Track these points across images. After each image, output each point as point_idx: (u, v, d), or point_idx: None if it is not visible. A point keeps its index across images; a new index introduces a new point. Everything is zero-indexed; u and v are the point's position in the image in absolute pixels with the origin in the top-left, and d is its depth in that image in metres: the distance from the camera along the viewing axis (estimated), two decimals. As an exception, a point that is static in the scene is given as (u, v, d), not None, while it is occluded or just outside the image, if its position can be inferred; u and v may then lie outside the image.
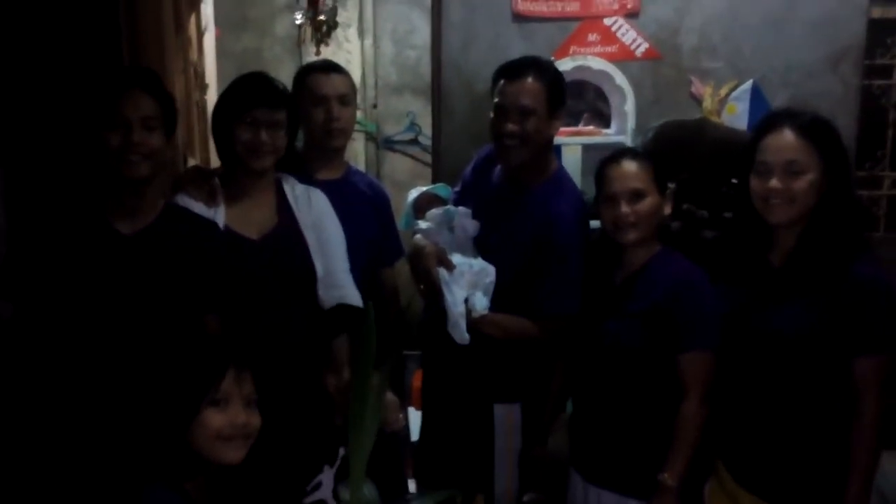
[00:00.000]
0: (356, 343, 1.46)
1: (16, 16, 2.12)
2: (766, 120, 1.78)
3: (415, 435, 2.77)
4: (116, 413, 1.61)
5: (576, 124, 2.97)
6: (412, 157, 4.60)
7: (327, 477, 1.60)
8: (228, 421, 1.39)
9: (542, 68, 2.06)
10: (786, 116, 1.73)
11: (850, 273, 1.64)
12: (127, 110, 1.73)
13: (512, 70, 2.05)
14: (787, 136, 1.68)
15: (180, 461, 1.38)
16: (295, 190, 2.07)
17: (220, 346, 1.48)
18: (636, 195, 1.84)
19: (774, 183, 1.68)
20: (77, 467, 1.69)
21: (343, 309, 2.00)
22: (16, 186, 2.13)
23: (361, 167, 4.13)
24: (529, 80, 2.02)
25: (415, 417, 2.95)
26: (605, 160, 1.92)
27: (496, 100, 2.06)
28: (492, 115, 2.08)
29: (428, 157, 3.91)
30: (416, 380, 3.10)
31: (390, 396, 2.03)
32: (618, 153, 1.92)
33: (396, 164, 4.63)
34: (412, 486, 2.59)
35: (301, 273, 2.00)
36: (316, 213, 2.06)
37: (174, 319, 1.78)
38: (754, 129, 1.80)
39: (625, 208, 1.83)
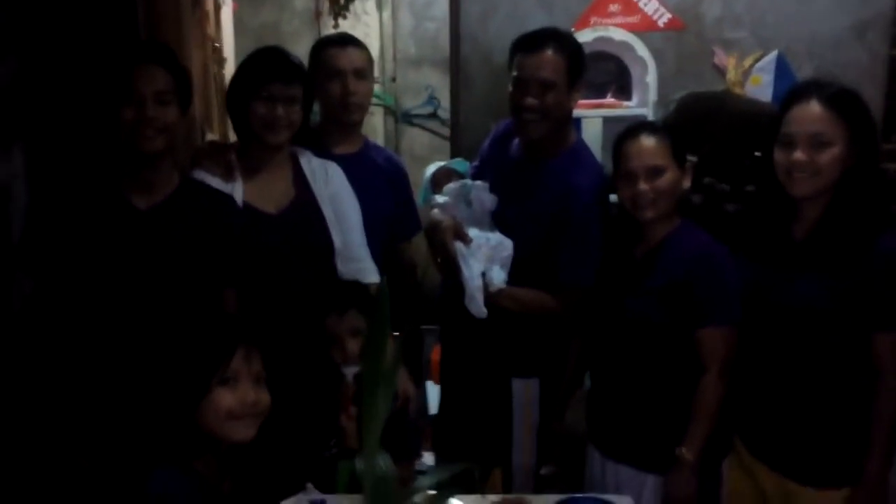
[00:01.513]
0: (370, 316, 1.47)
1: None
2: (792, 91, 1.76)
3: (433, 409, 2.79)
4: (128, 391, 1.63)
5: (598, 97, 2.94)
6: (431, 131, 4.58)
7: None
8: (238, 399, 1.39)
9: (561, 40, 2.04)
10: (813, 88, 1.70)
11: (874, 247, 1.63)
12: (140, 85, 1.73)
13: (530, 42, 2.03)
14: (814, 107, 1.66)
15: (189, 440, 1.39)
16: (311, 164, 2.07)
17: (229, 324, 1.49)
18: (655, 172, 1.81)
19: (799, 155, 1.66)
20: (85, 444, 1.71)
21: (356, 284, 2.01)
22: (37, 162, 2.15)
23: (380, 141, 4.12)
24: (549, 52, 2.00)
25: (433, 391, 2.97)
26: (621, 135, 1.90)
27: (515, 73, 2.04)
28: (510, 88, 2.06)
29: (447, 131, 3.89)
30: (435, 354, 3.11)
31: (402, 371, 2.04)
32: (634, 127, 1.90)
33: (415, 138, 4.62)
34: (430, 459, 2.62)
35: (319, 246, 2.01)
36: (333, 186, 2.06)
37: (191, 294, 1.79)
38: (781, 101, 1.77)
39: (643, 185, 1.81)
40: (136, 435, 1.46)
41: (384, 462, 1.15)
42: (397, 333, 1.36)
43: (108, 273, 1.75)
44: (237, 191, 1.96)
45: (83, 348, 1.74)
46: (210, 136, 2.80)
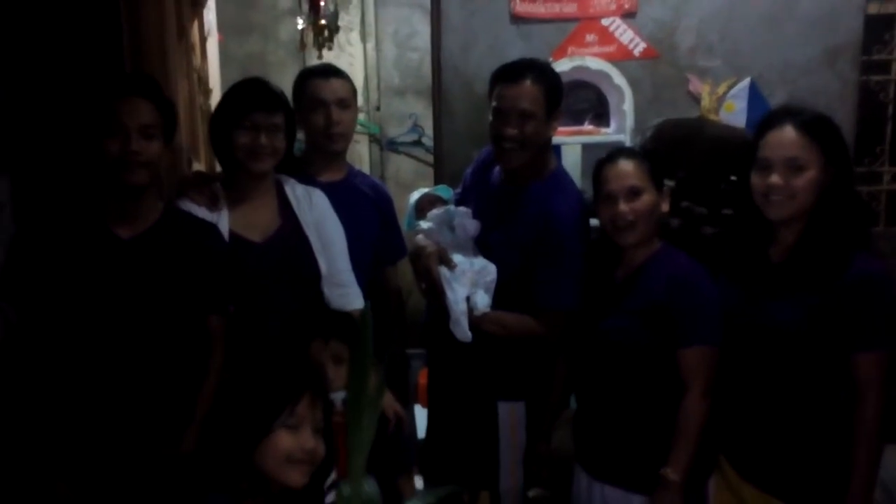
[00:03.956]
0: (354, 342, 1.49)
1: (18, 23, 2.14)
2: (768, 117, 1.80)
3: (421, 432, 2.79)
4: (119, 419, 1.62)
5: (577, 124, 2.99)
6: (415, 158, 4.62)
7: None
8: (299, 444, 1.40)
9: (539, 71, 2.07)
10: (787, 113, 1.74)
11: (850, 269, 1.65)
12: (125, 118, 1.73)
13: (509, 73, 2.06)
14: (789, 132, 1.69)
15: (245, 478, 1.39)
16: (296, 191, 2.09)
17: (299, 369, 1.50)
18: (633, 193, 1.85)
19: (775, 179, 1.69)
20: (73, 477, 1.70)
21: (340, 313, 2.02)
22: (23, 192, 2.15)
23: (365, 169, 4.16)
24: (528, 83, 2.03)
25: (421, 415, 2.97)
26: (601, 160, 1.94)
27: (494, 103, 2.07)
28: (490, 117, 2.09)
29: (431, 159, 3.94)
30: (423, 377, 3.12)
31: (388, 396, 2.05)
32: (613, 153, 1.94)
33: (400, 166, 4.66)
34: (419, 483, 2.61)
35: (305, 273, 2.02)
36: (317, 213, 2.08)
37: (176, 322, 1.80)
38: (756, 126, 1.81)
39: (623, 206, 1.85)
40: (195, 468, 1.47)
41: (370, 487, 1.17)
42: (380, 359, 1.38)
43: (91, 303, 1.75)
44: (223, 220, 1.97)
45: (70, 376, 1.73)
46: (196, 166, 2.82)
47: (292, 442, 1.39)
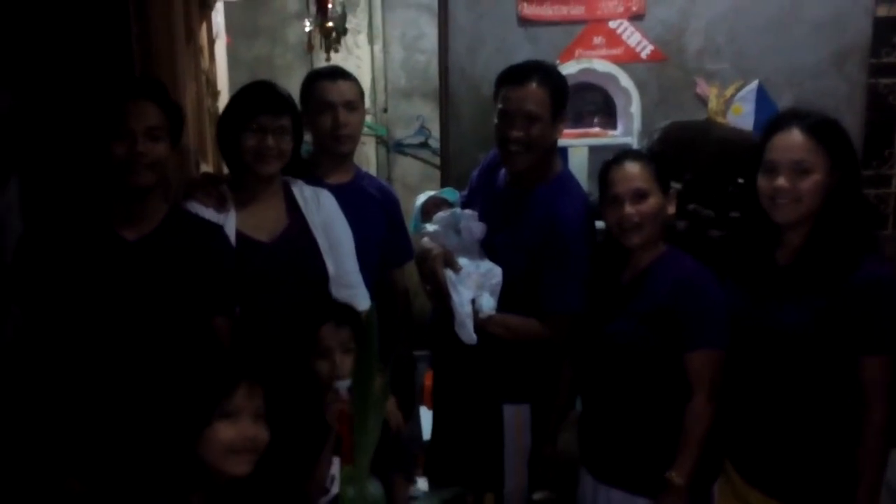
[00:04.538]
0: (360, 343, 1.50)
1: (28, 27, 2.16)
2: (774, 119, 1.79)
3: (427, 434, 2.79)
4: (123, 421, 1.64)
5: (584, 126, 2.99)
6: (422, 160, 4.64)
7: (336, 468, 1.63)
8: (238, 434, 1.40)
9: (545, 73, 2.07)
10: (794, 116, 1.73)
11: (856, 272, 1.65)
12: (132, 121, 1.73)
13: (515, 75, 2.06)
14: (795, 135, 1.69)
15: (187, 472, 1.39)
16: (304, 192, 2.10)
17: (233, 358, 1.50)
18: (639, 195, 1.85)
19: (781, 182, 1.69)
20: (82, 476, 1.71)
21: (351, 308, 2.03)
22: (32, 194, 2.17)
23: (372, 171, 4.17)
24: (533, 85, 2.03)
25: (427, 416, 2.98)
26: (607, 163, 1.94)
27: (500, 106, 2.08)
28: (496, 120, 2.09)
29: (438, 161, 3.95)
30: (428, 379, 3.12)
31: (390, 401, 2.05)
32: (619, 155, 1.94)
33: (407, 168, 4.67)
34: (424, 484, 2.62)
35: (313, 274, 2.03)
36: (325, 213, 2.09)
37: (182, 323, 1.80)
38: (763, 129, 1.80)
39: (629, 209, 1.85)
40: (135, 466, 1.46)
41: (374, 488, 1.17)
42: (386, 362, 1.38)
43: (97, 304, 1.75)
44: (230, 221, 1.98)
45: (74, 376, 1.74)
46: (204, 168, 2.83)
47: (231, 432, 1.40)
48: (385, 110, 4.61)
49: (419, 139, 4.58)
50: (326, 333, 1.83)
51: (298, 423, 1.78)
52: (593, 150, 2.91)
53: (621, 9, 2.95)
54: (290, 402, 1.82)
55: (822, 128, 1.70)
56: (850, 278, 1.65)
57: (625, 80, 2.90)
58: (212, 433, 1.39)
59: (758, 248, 1.82)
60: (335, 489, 1.70)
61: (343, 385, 1.76)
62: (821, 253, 1.70)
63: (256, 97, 2.00)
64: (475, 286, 2.06)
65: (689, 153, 2.40)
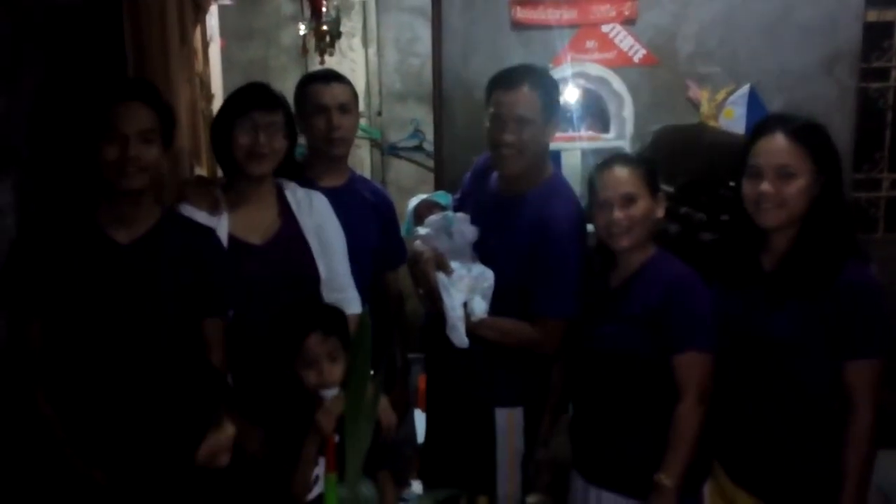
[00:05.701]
0: (353, 346, 1.50)
1: (21, 30, 2.16)
2: (759, 124, 1.80)
3: (421, 437, 2.80)
4: (118, 423, 1.64)
5: (577, 130, 3.00)
6: (417, 163, 4.64)
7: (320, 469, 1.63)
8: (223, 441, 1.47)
9: (537, 77, 2.08)
10: (778, 121, 1.74)
11: (840, 277, 1.66)
12: (123, 123, 1.72)
13: (507, 79, 2.07)
14: (779, 140, 1.70)
15: (183, 485, 1.42)
16: (296, 194, 2.10)
17: (212, 389, 1.54)
18: (628, 199, 1.86)
19: (765, 186, 1.70)
20: (77, 486, 1.71)
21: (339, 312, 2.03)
22: (27, 196, 2.17)
23: (367, 174, 4.17)
24: (525, 89, 2.03)
25: (421, 419, 2.98)
26: (596, 167, 1.95)
27: (492, 109, 2.08)
28: (487, 123, 2.10)
29: (432, 164, 3.96)
30: (422, 382, 3.12)
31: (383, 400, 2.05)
32: (609, 159, 1.95)
33: (401, 171, 4.67)
34: (418, 487, 2.62)
35: (305, 276, 2.03)
36: (317, 216, 2.09)
37: (175, 326, 1.80)
38: (748, 134, 1.82)
39: (618, 213, 1.86)
40: (135, 466, 1.48)
41: (366, 489, 1.18)
42: (377, 365, 1.39)
43: (89, 307, 1.75)
44: (223, 224, 1.98)
45: (66, 379, 1.74)
46: (198, 171, 2.83)
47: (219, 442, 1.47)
48: (379, 113, 4.61)
49: (413, 142, 4.58)
50: (313, 343, 1.81)
51: (286, 426, 1.79)
52: (586, 153, 2.92)
53: (614, 13, 2.97)
54: (278, 405, 1.83)
55: (805, 132, 1.71)
56: (832, 284, 1.66)
57: (617, 84, 2.92)
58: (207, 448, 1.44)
59: (744, 252, 1.82)
60: (318, 488, 1.70)
61: (329, 394, 1.76)
62: (804, 258, 1.70)
63: (248, 95, 2.01)
64: (467, 289, 2.06)
65: (682, 157, 2.41)
